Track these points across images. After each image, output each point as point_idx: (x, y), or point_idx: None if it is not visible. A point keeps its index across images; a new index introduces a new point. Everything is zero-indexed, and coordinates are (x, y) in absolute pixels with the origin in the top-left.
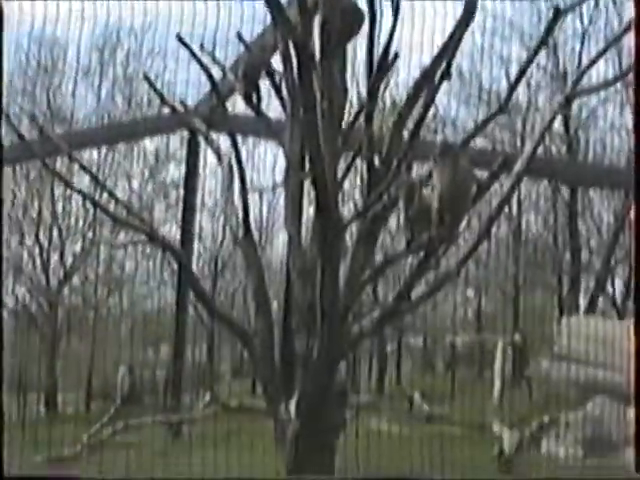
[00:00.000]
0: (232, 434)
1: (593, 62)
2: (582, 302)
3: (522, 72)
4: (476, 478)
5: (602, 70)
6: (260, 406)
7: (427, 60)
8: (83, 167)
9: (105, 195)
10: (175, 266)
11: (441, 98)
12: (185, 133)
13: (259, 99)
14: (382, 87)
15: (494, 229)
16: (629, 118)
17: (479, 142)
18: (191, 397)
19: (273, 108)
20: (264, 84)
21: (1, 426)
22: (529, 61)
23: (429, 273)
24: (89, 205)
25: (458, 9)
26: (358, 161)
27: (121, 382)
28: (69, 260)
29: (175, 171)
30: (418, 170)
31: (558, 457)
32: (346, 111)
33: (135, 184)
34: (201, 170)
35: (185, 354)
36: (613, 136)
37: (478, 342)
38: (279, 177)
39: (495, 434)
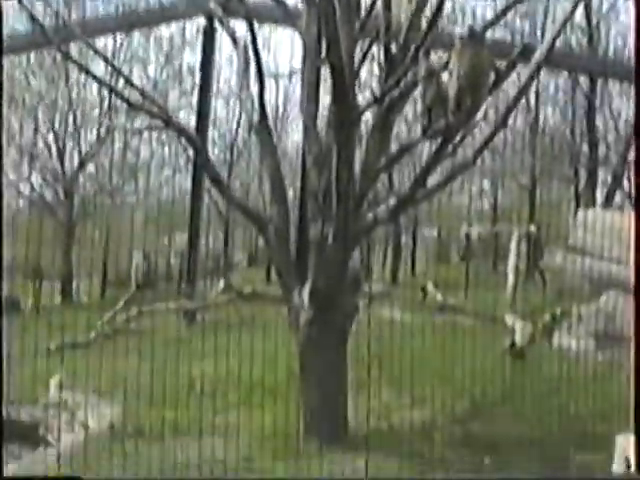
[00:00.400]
0: (246, 321)
1: None
2: (599, 196)
3: None
4: (486, 368)
5: None
6: (274, 293)
7: None
8: (99, 53)
9: (121, 82)
10: (191, 153)
11: None
12: (201, 20)
13: None
14: None
15: (511, 120)
16: None
17: (498, 33)
18: (205, 284)
19: None
20: None
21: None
22: None
23: (445, 161)
24: (105, 93)
25: None
26: (375, 48)
27: (136, 269)
28: (84, 148)
29: (191, 58)
30: (436, 60)
31: (570, 349)
32: None
33: (150, 71)
34: (217, 57)
35: (200, 242)
36: None
37: (493, 234)
38: (295, 64)
39: (507, 326)
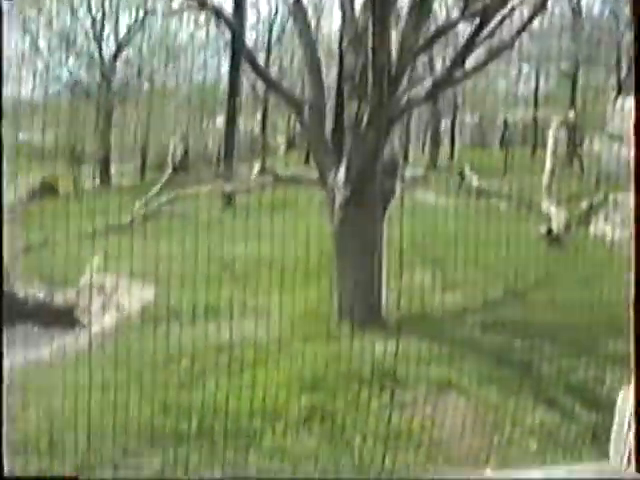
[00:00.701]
0: (280, 204)
1: None
2: None
3: None
4: (521, 254)
5: None
6: (311, 176)
7: None
8: None
9: None
10: (228, 36)
11: None
12: None
13: None
14: None
15: (553, 4)
16: None
17: None
18: (240, 167)
19: None
20: None
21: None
22: None
23: (484, 45)
24: None
25: None
26: None
27: (174, 152)
28: (122, 32)
29: None
30: None
31: (605, 236)
32: None
33: None
34: None
35: (239, 125)
36: None
37: (532, 119)
38: None
39: (543, 212)
